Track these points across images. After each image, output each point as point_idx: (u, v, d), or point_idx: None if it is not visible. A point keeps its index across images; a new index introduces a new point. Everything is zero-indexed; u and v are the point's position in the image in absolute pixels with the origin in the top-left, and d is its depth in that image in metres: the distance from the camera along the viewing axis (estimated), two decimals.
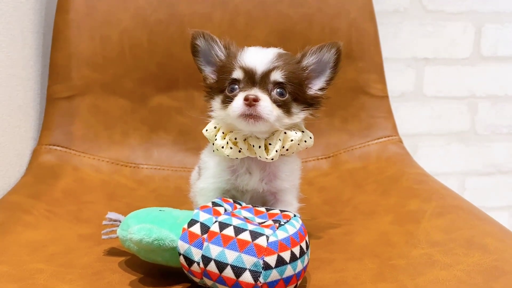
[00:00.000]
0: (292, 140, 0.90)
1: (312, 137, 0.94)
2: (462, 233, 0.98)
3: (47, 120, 1.41)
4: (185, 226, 0.80)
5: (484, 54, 1.81)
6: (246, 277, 0.73)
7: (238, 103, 0.86)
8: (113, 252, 0.95)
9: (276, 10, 1.46)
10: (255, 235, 0.75)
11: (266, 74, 0.88)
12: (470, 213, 1.08)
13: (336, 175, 1.42)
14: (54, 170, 1.32)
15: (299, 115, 0.92)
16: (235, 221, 0.78)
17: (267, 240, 0.74)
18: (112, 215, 0.96)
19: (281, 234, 0.75)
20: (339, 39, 0.95)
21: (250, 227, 0.77)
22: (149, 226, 0.80)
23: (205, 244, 0.76)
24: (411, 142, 1.80)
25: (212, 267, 0.75)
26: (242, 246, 0.74)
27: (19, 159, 1.31)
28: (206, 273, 0.76)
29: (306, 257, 0.78)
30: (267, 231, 0.75)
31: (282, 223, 0.78)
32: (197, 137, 1.43)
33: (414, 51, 1.78)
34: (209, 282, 0.78)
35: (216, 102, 0.93)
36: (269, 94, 0.88)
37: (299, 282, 0.78)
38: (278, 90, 0.89)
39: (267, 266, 0.73)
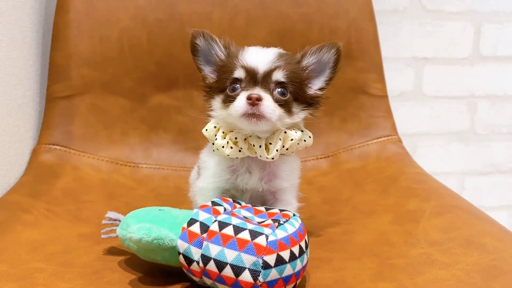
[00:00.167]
0: (292, 140, 0.90)
1: (312, 136, 0.95)
2: (461, 232, 0.98)
3: (47, 120, 1.41)
4: (185, 225, 0.80)
5: (484, 53, 1.81)
6: (246, 276, 0.73)
7: (240, 102, 0.86)
8: (112, 251, 0.95)
9: (276, 10, 1.46)
10: (254, 234, 0.75)
11: (268, 73, 0.89)
12: (469, 212, 1.08)
13: (335, 174, 1.42)
14: (53, 169, 1.32)
15: (300, 114, 0.93)
16: (235, 220, 0.78)
17: (267, 239, 0.74)
18: (111, 214, 0.96)
19: (280, 234, 0.76)
20: (338, 39, 0.96)
21: (250, 226, 0.77)
22: (149, 226, 0.80)
23: (205, 243, 0.77)
24: (411, 141, 1.81)
25: (211, 266, 0.75)
26: (241, 245, 0.74)
27: (19, 158, 1.31)
28: (205, 272, 0.76)
29: (305, 256, 0.78)
30: (267, 231, 0.76)
31: (281, 222, 0.78)
32: (196, 137, 1.43)
33: (413, 50, 1.78)
34: (208, 281, 0.78)
35: (217, 102, 0.93)
36: (271, 94, 0.89)
37: (298, 281, 0.79)
38: (279, 89, 0.89)
39: (266, 265, 0.73)
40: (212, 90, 0.95)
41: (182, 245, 0.79)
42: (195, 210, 0.82)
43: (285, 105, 0.90)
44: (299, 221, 0.82)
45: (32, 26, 1.38)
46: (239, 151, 0.90)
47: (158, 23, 1.43)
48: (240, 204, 0.87)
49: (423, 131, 1.85)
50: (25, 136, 1.35)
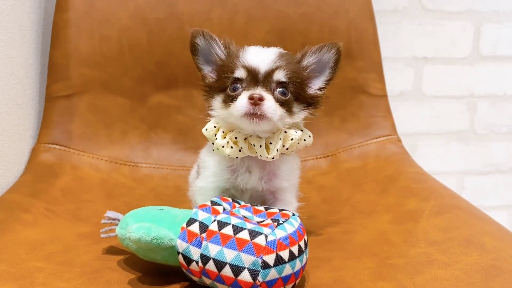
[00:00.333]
0: (292, 139, 0.90)
1: (311, 135, 0.95)
2: (461, 232, 0.98)
3: (46, 119, 1.41)
4: (184, 225, 0.80)
5: (483, 53, 1.81)
6: (245, 276, 0.73)
7: (242, 102, 0.86)
8: (112, 250, 0.95)
9: (275, 9, 1.46)
10: (253, 234, 0.75)
11: (269, 73, 0.89)
12: (469, 212, 1.08)
13: (335, 174, 1.42)
14: (53, 168, 1.32)
15: (300, 114, 0.93)
16: (234, 220, 0.78)
17: (266, 239, 0.74)
18: (111, 213, 0.96)
19: (279, 233, 0.76)
20: (338, 38, 0.96)
21: (249, 226, 0.77)
22: (148, 225, 0.80)
23: (204, 243, 0.77)
24: (410, 141, 1.81)
25: (210, 266, 0.75)
26: (240, 245, 0.74)
27: (18, 157, 1.31)
28: (204, 272, 0.76)
29: (304, 256, 0.78)
30: (266, 230, 0.75)
31: (280, 222, 0.78)
32: (196, 136, 1.43)
33: (413, 50, 1.78)
34: (207, 281, 0.78)
35: (217, 101, 0.93)
36: (272, 94, 0.89)
37: (297, 281, 0.79)
38: (280, 89, 0.90)
39: (265, 265, 0.73)
40: (212, 89, 0.95)
41: (181, 245, 0.79)
42: (195, 209, 0.82)
43: (286, 105, 0.90)
44: (299, 220, 0.82)
45: (31, 25, 1.38)
46: (239, 150, 0.90)
47: (157, 22, 1.43)
48: (239, 203, 0.87)
49: (423, 131, 1.85)
50: (25, 135, 1.35)
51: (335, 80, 0.95)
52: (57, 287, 0.81)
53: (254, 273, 0.73)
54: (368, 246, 0.97)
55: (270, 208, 0.85)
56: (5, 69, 1.22)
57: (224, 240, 0.75)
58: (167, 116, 1.47)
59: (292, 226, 0.78)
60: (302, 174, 1.01)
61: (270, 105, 0.86)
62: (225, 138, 0.91)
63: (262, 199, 0.97)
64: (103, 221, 0.96)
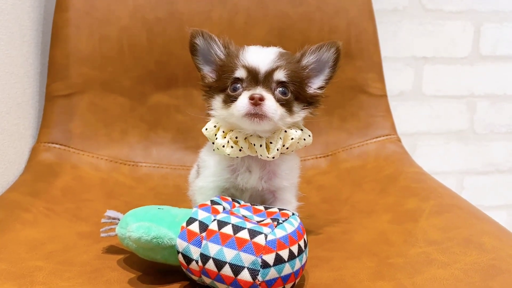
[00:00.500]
0: (292, 139, 0.90)
1: (311, 135, 0.95)
2: (460, 232, 0.98)
3: (46, 118, 1.41)
4: (184, 224, 0.80)
5: (483, 53, 1.81)
6: (245, 275, 0.73)
7: (243, 102, 0.86)
8: (111, 250, 0.95)
9: (275, 9, 1.46)
10: (253, 233, 0.75)
11: (269, 73, 0.89)
12: (468, 212, 1.08)
13: (334, 173, 1.42)
14: (53, 168, 1.32)
15: (300, 113, 0.93)
16: (234, 220, 0.78)
17: (266, 239, 0.74)
18: (110, 213, 0.96)
19: (279, 233, 0.76)
20: (338, 38, 0.96)
21: (249, 225, 0.77)
22: (148, 224, 0.80)
23: (204, 242, 0.77)
24: (410, 141, 1.81)
25: (210, 265, 0.75)
26: (240, 245, 0.74)
27: (18, 157, 1.31)
28: (204, 271, 0.77)
29: (304, 256, 0.78)
30: (266, 230, 0.76)
31: (280, 221, 0.78)
32: (196, 135, 1.43)
33: (413, 50, 1.78)
34: (207, 280, 0.78)
35: (217, 101, 0.93)
36: (273, 93, 0.89)
37: (297, 281, 0.79)
38: (281, 89, 0.90)
39: (265, 265, 0.73)
40: (212, 89, 0.95)
41: (181, 244, 0.79)
42: (194, 209, 0.82)
43: (286, 105, 0.90)
44: (298, 220, 0.82)
45: (31, 24, 1.38)
46: (240, 150, 0.90)
47: (157, 22, 1.43)
48: (239, 203, 0.87)
49: (423, 131, 1.85)
50: (25, 135, 1.35)
51: (335, 79, 0.96)
52: (57, 286, 0.81)
53: (253, 273, 0.73)
54: (368, 246, 0.97)
55: (270, 208, 0.85)
56: (5, 68, 1.22)
57: (224, 240, 0.75)
58: (167, 116, 1.47)
59: (291, 225, 0.78)
60: (302, 174, 1.01)
61: (271, 105, 0.86)
62: (225, 137, 0.91)
63: (261, 198, 0.97)
64: (103, 220, 0.96)
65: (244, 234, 0.75)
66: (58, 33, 1.42)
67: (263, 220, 0.80)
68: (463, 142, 1.88)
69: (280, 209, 0.84)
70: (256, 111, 0.85)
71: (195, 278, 0.80)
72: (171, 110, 1.47)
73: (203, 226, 0.78)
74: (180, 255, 0.79)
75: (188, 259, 0.78)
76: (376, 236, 1.02)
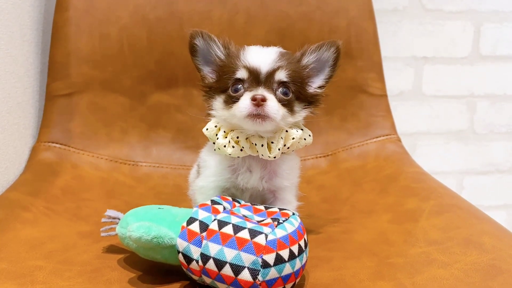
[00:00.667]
0: (293, 138, 0.90)
1: (311, 134, 0.95)
2: (460, 232, 0.98)
3: (46, 118, 1.41)
4: (184, 224, 0.80)
5: (483, 53, 1.81)
6: (245, 275, 0.73)
7: (245, 103, 0.86)
8: (112, 249, 0.95)
9: (275, 9, 1.46)
10: (254, 233, 0.75)
11: (271, 73, 0.89)
12: (468, 212, 1.08)
13: (334, 173, 1.42)
14: (53, 167, 1.32)
15: (301, 113, 0.93)
16: (234, 219, 0.78)
17: (266, 239, 0.74)
18: (111, 212, 0.96)
19: (279, 233, 0.76)
20: (338, 38, 0.96)
21: (249, 225, 0.77)
22: (148, 224, 0.80)
23: (204, 242, 0.77)
24: (410, 141, 1.81)
25: (211, 265, 0.75)
26: (241, 244, 0.74)
27: (18, 156, 1.31)
28: (205, 271, 0.77)
29: (304, 255, 0.78)
30: (266, 230, 0.76)
31: (280, 221, 0.78)
32: (196, 135, 1.43)
33: (413, 50, 1.78)
34: (208, 280, 0.78)
35: (218, 102, 0.93)
36: (274, 94, 0.89)
37: (297, 280, 0.79)
38: (282, 89, 0.90)
39: (265, 264, 0.73)
40: (212, 90, 0.94)
41: (181, 244, 0.79)
42: (195, 208, 0.82)
43: (288, 105, 0.90)
44: (299, 220, 0.82)
45: (31, 24, 1.38)
46: (241, 150, 0.90)
47: (157, 21, 1.43)
48: (239, 202, 0.87)
49: (423, 131, 1.85)
50: (25, 134, 1.35)
51: (335, 79, 0.96)
52: (57, 285, 0.81)
53: (254, 272, 0.73)
54: (368, 246, 0.97)
55: (270, 208, 0.85)
56: (5, 68, 1.22)
57: (224, 239, 0.75)
58: (167, 115, 1.47)
59: (292, 225, 0.78)
60: (302, 174, 1.01)
61: (273, 106, 0.86)
62: (226, 137, 0.91)
63: (262, 198, 0.97)
64: (103, 220, 0.96)
65: (244, 234, 0.75)
66: (58, 32, 1.42)
67: (263, 220, 0.80)
68: (463, 142, 1.88)
69: (280, 209, 0.84)
70: (258, 112, 0.85)
71: (195, 278, 0.80)
72: (171, 109, 1.47)
73: (204, 226, 0.78)
74: (180, 255, 0.79)
75: (189, 259, 0.78)
76: (376, 236, 1.02)
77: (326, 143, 1.49)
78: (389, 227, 1.05)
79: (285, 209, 0.84)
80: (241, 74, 0.89)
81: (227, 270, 0.74)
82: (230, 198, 0.88)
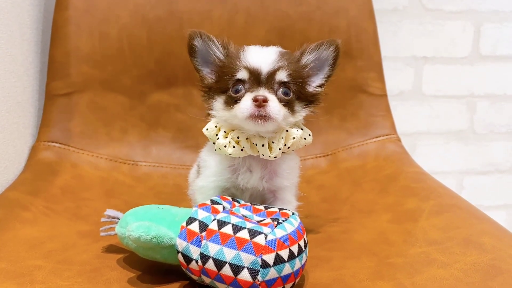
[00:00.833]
0: (294, 138, 0.90)
1: (311, 134, 0.95)
2: (460, 232, 0.98)
3: (46, 117, 1.41)
4: (184, 224, 0.80)
5: (483, 53, 1.81)
6: (244, 275, 0.73)
7: (246, 104, 0.86)
8: (111, 249, 0.95)
9: (275, 8, 1.46)
10: (253, 233, 0.75)
11: (272, 74, 0.89)
12: (468, 212, 1.08)
13: (334, 173, 1.42)
14: (52, 166, 1.32)
15: (301, 112, 0.93)
16: (234, 219, 0.78)
17: (266, 239, 0.74)
18: (110, 212, 0.96)
19: (279, 233, 0.76)
20: (338, 38, 0.96)
21: (249, 225, 0.77)
22: (148, 224, 0.80)
23: (204, 242, 0.77)
24: (410, 140, 1.81)
25: (210, 265, 0.75)
26: (240, 244, 0.74)
27: (18, 155, 1.31)
28: (204, 271, 0.77)
29: (304, 255, 0.78)
30: (266, 230, 0.76)
31: (280, 221, 0.78)
32: (196, 135, 1.43)
33: (413, 49, 1.78)
34: (207, 280, 0.78)
35: (218, 103, 0.92)
36: (275, 94, 0.89)
37: (297, 280, 0.79)
38: (283, 89, 0.90)
39: (265, 264, 0.73)
40: (212, 90, 0.94)
41: (181, 244, 0.79)
42: (194, 208, 0.82)
43: (289, 105, 0.90)
44: (298, 220, 0.82)
45: (31, 23, 1.38)
46: (241, 150, 0.90)
47: (157, 20, 1.43)
48: (239, 202, 0.87)
49: (422, 130, 1.85)
50: (24, 133, 1.35)
51: (334, 78, 0.96)
52: (57, 285, 0.81)
53: (253, 272, 0.73)
54: (368, 246, 0.97)
55: (270, 207, 0.85)
56: (5, 67, 1.22)
57: (224, 239, 0.75)
58: (166, 115, 1.47)
59: (291, 225, 0.78)
60: (302, 173, 1.01)
61: (275, 106, 0.86)
62: (226, 137, 0.91)
63: (262, 198, 0.97)
64: (102, 219, 0.96)
65: (244, 234, 0.75)
66: (58, 31, 1.42)
67: (263, 220, 0.80)
68: (463, 142, 1.88)
69: (280, 209, 0.84)
70: (260, 113, 0.85)
71: (194, 277, 0.80)
72: (171, 109, 1.47)
73: (203, 226, 0.78)
74: (180, 255, 0.79)
75: (188, 259, 0.78)
76: (376, 235, 1.02)
77: (326, 143, 1.49)
78: (388, 227, 1.05)
79: (284, 209, 0.84)
80: (242, 74, 0.89)
81: (226, 270, 0.74)
82: (229, 198, 0.88)
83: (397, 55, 1.76)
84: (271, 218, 0.80)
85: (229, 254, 0.74)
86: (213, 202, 0.83)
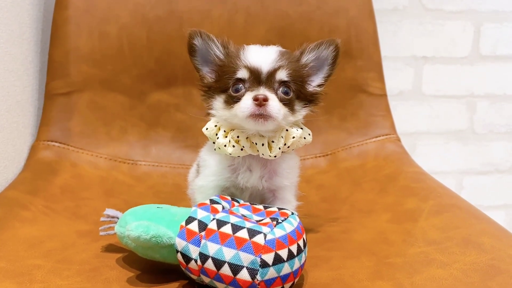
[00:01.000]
0: (294, 137, 0.90)
1: (311, 133, 0.95)
2: (459, 231, 0.98)
3: (45, 116, 1.41)
4: (183, 223, 0.80)
5: (483, 53, 1.81)
6: (244, 274, 0.73)
7: (247, 103, 0.86)
8: (110, 248, 0.95)
9: (275, 8, 1.46)
10: (252, 233, 0.75)
11: (272, 73, 0.89)
12: (467, 212, 1.08)
13: (334, 173, 1.42)
14: (52, 166, 1.32)
15: (301, 112, 0.93)
16: (233, 219, 0.78)
17: (265, 238, 0.74)
18: (110, 211, 0.96)
19: (278, 232, 0.76)
20: (338, 37, 0.96)
21: (248, 225, 0.77)
22: (147, 223, 0.80)
23: (203, 241, 0.77)
24: (410, 140, 1.81)
25: (209, 264, 0.75)
26: (239, 244, 0.74)
27: (17, 155, 1.31)
28: (203, 271, 0.77)
29: (303, 255, 0.78)
30: (265, 229, 0.75)
31: (279, 221, 0.78)
32: (195, 134, 1.43)
33: (413, 49, 1.78)
34: (206, 280, 0.78)
35: (218, 102, 0.92)
36: (276, 93, 0.89)
37: (296, 280, 0.79)
38: (283, 88, 0.90)
39: (264, 264, 0.73)
40: (212, 90, 0.94)
41: (180, 243, 0.79)
42: (194, 208, 0.82)
43: (289, 104, 0.90)
44: (298, 219, 0.82)
45: (31, 22, 1.38)
46: (241, 149, 0.90)
47: (157, 20, 1.43)
48: (238, 202, 0.87)
49: (422, 130, 1.85)
50: (24, 133, 1.35)
51: (334, 77, 0.96)
52: (56, 284, 0.81)
53: (252, 272, 0.73)
54: (367, 245, 0.97)
55: (269, 207, 0.85)
56: (4, 66, 1.22)
57: (223, 239, 0.75)
58: (166, 114, 1.47)
59: (291, 225, 0.78)
60: (302, 173, 1.01)
61: (275, 105, 0.86)
62: (226, 137, 0.91)
63: (261, 198, 0.97)
64: (102, 219, 0.96)
65: (243, 234, 0.75)
66: (57, 31, 1.42)
67: (262, 220, 0.80)
68: (463, 142, 1.88)
69: (279, 209, 0.84)
70: (260, 112, 0.85)
71: (194, 277, 0.80)
72: (170, 108, 1.47)
73: (202, 225, 0.78)
74: (179, 254, 0.79)
75: (187, 258, 0.78)
76: (375, 235, 1.02)
77: (326, 143, 1.49)
78: (388, 227, 1.05)
79: (284, 209, 0.84)
80: (242, 74, 0.89)
81: (225, 270, 0.74)
82: (229, 198, 0.88)
83: (397, 55, 1.76)
84: (270, 218, 0.80)
85: (228, 254, 0.74)
86: (212, 201, 0.83)
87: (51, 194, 1.20)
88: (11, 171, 1.26)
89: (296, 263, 0.76)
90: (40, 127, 1.40)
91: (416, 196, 1.18)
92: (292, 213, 0.83)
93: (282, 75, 0.89)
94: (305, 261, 0.80)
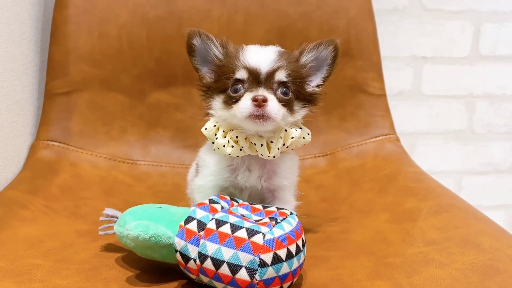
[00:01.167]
0: (293, 137, 0.90)
1: (310, 133, 0.95)
2: (458, 232, 0.98)
3: (45, 116, 1.41)
4: (182, 223, 0.80)
5: (483, 53, 1.81)
6: (242, 274, 0.73)
7: (246, 104, 0.86)
8: (110, 248, 0.95)
9: (275, 8, 1.46)
10: (251, 232, 0.75)
11: (271, 74, 0.89)
12: (466, 212, 1.08)
13: (333, 173, 1.42)
14: (51, 165, 1.32)
15: (300, 112, 0.93)
16: (232, 219, 0.78)
17: (264, 238, 0.74)
18: (109, 211, 0.96)
19: (277, 232, 0.76)
20: (337, 37, 0.96)
21: (247, 224, 0.77)
22: (146, 223, 0.80)
23: (202, 241, 0.77)
24: (409, 140, 1.81)
25: (208, 264, 0.75)
26: (238, 244, 0.74)
27: (17, 154, 1.31)
28: (202, 270, 0.77)
29: (302, 255, 0.79)
30: (264, 229, 0.76)
31: (278, 220, 0.78)
32: (195, 134, 1.43)
33: (412, 49, 1.78)
34: (205, 279, 0.78)
35: (217, 102, 0.92)
36: (275, 94, 0.89)
37: (295, 280, 0.79)
38: (282, 89, 0.90)
39: (263, 264, 0.73)
40: (211, 90, 0.94)
41: (179, 243, 0.79)
42: (193, 208, 0.82)
43: (288, 104, 0.90)
44: (296, 219, 0.82)
45: (31, 21, 1.38)
46: (240, 149, 0.90)
47: (157, 20, 1.43)
48: (237, 202, 0.88)
49: (422, 130, 1.85)
50: (23, 132, 1.35)
51: (333, 77, 0.96)
52: (55, 284, 0.81)
53: (251, 272, 0.73)
54: (366, 245, 0.97)
55: (268, 207, 0.85)
56: (4, 66, 1.22)
57: (222, 239, 0.75)
58: (166, 114, 1.47)
59: (290, 224, 0.78)
60: (301, 173, 1.01)
61: (274, 106, 0.86)
62: (225, 137, 0.91)
63: (261, 197, 0.97)
64: (101, 218, 0.96)
65: (242, 233, 0.75)
66: (57, 30, 1.42)
67: (261, 219, 0.80)
68: (462, 142, 1.88)
69: (278, 208, 0.84)
70: (259, 113, 0.85)
71: (193, 276, 0.80)
72: (170, 108, 1.47)
73: (201, 225, 0.78)
74: (178, 254, 0.79)
75: (186, 258, 0.78)
76: (374, 235, 1.02)
77: (325, 143, 1.49)
78: (387, 227, 1.05)
79: (283, 209, 0.85)
80: (241, 74, 0.89)
81: (224, 269, 0.74)
82: (228, 197, 0.88)
83: (397, 55, 1.76)
84: (269, 218, 0.80)
85: (227, 253, 0.74)
86: (212, 201, 0.84)
87: (51, 193, 1.20)
88: (10, 170, 1.27)
89: (295, 262, 0.76)
90: (40, 126, 1.40)
91: (415, 196, 1.18)
92: (291, 213, 0.83)
93: (281, 75, 0.89)
94: (303, 261, 0.80)
